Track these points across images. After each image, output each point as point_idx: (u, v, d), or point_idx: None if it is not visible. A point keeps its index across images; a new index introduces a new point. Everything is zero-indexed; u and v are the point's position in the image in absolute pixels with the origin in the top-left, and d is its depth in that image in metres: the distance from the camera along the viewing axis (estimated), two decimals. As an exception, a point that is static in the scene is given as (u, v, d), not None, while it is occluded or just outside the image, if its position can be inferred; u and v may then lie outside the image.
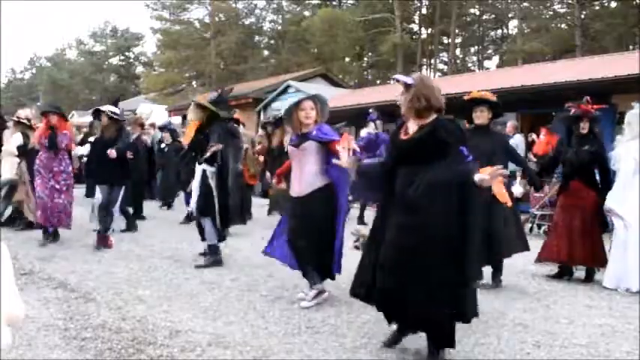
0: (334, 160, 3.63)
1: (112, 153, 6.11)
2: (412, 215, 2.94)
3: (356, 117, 11.29)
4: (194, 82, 39.16)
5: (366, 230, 6.84)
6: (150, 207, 9.82)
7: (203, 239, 5.62)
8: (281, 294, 4.47)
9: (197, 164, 5.38)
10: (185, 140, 5.72)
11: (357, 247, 6.52)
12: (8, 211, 8.22)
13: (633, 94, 10.09)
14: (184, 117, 19.36)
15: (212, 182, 5.33)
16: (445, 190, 2.89)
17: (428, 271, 2.88)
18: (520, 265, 5.53)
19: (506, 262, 4.91)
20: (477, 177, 2.87)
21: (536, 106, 10.99)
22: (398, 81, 3.17)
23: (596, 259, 5.07)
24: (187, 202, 8.11)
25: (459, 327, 3.62)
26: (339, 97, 16.40)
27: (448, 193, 2.89)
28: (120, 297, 4.33)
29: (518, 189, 5.82)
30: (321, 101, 4.29)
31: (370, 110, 8.91)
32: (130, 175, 6.48)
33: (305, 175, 4.16)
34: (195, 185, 5.39)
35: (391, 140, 3.34)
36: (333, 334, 3.55)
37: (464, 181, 2.89)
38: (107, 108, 6.44)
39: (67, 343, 3.32)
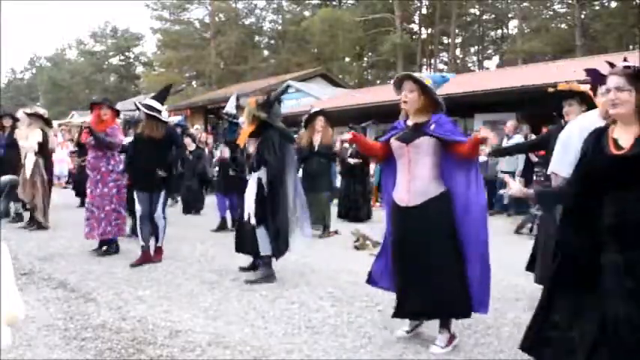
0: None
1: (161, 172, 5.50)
2: None
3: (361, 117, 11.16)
4: (194, 82, 39.24)
5: (365, 231, 6.87)
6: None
7: (244, 252, 5.24)
8: (281, 294, 4.47)
9: (252, 172, 5.01)
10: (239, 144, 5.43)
11: (356, 248, 6.53)
12: (12, 210, 8.24)
13: (633, 94, 10.14)
14: (185, 117, 19.34)
15: (266, 191, 4.87)
16: None
17: None
18: (519, 265, 5.53)
19: (506, 261, 4.91)
20: None
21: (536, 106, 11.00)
22: (626, 66, 2.26)
23: None
24: (221, 209, 7.93)
25: (460, 327, 3.63)
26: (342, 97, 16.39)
27: None
28: (120, 297, 4.34)
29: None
30: (417, 80, 3.30)
31: None
32: (170, 179, 5.73)
33: (417, 181, 3.28)
34: (249, 193, 5.01)
35: (593, 157, 2.36)
36: (333, 334, 3.55)
37: None
38: (149, 103, 5.61)
39: (67, 343, 3.33)
